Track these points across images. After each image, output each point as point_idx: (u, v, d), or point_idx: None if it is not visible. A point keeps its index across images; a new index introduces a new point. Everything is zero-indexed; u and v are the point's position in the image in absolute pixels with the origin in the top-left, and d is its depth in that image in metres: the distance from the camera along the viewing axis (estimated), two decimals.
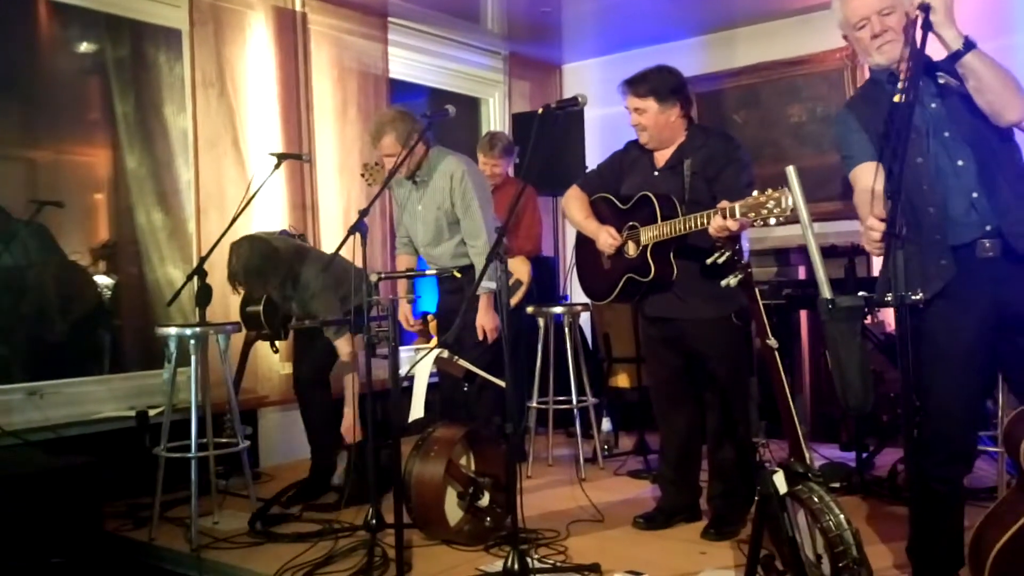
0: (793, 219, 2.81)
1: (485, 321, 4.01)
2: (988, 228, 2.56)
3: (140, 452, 4.17)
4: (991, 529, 2.34)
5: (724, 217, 2.98)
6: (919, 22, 2.42)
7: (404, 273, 4.20)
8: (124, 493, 4.16)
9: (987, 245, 2.55)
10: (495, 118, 6.96)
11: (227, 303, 4.74)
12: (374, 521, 3.31)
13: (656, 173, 3.58)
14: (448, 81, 6.49)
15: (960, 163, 2.60)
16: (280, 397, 5.09)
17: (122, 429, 4.36)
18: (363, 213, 3.34)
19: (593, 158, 5.60)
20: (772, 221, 2.84)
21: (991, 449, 3.68)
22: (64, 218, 4.71)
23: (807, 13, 6.04)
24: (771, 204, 2.82)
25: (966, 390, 2.60)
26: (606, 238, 3.56)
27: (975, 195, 2.58)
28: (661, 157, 3.60)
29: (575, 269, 3.92)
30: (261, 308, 4.43)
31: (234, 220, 4.15)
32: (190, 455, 3.76)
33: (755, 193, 2.88)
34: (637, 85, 3.52)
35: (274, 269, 4.11)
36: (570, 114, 5.52)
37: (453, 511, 3.53)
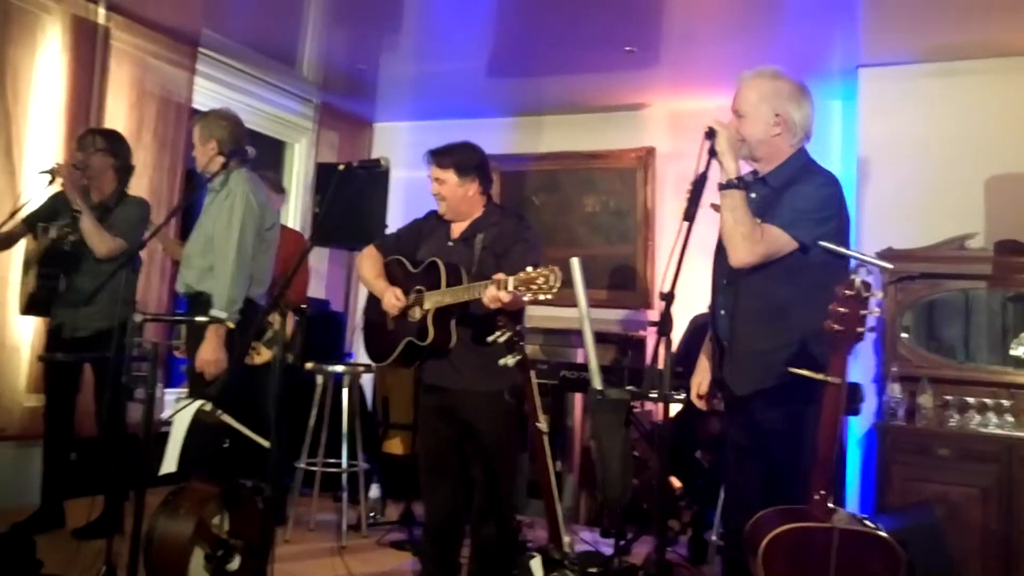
0: (571, 302, 2.91)
1: (205, 352, 3.75)
2: (726, 343, 2.82)
3: None
4: None
5: (498, 288, 3.08)
6: (705, 145, 2.64)
7: (170, 317, 3.99)
8: None
9: None
10: (300, 165, 6.84)
11: None
12: None
13: (450, 243, 3.63)
14: (255, 121, 6.30)
15: (724, 281, 2.85)
16: (19, 431, 4.67)
17: None
18: (139, 245, 3.17)
19: (395, 217, 5.60)
20: (542, 297, 2.94)
21: None
22: None
23: (609, 112, 6.38)
24: (541, 280, 2.95)
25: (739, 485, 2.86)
26: (390, 298, 3.55)
27: (722, 312, 2.84)
28: (457, 229, 3.65)
29: (362, 328, 3.86)
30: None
31: None
32: None
33: (529, 269, 2.97)
34: (441, 156, 3.60)
35: (122, 153, 4.31)
36: (375, 172, 5.54)
37: (198, 573, 3.31)
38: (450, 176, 3.57)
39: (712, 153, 2.64)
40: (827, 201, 2.75)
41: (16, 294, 4.50)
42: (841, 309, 2.24)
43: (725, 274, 2.85)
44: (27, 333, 4.73)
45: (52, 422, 4.34)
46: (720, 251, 2.89)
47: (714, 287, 2.94)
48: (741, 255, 2.67)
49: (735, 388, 2.78)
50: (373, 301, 3.75)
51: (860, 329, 2.25)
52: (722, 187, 2.67)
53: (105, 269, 3.81)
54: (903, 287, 4.65)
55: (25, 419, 4.68)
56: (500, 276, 3.10)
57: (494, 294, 3.10)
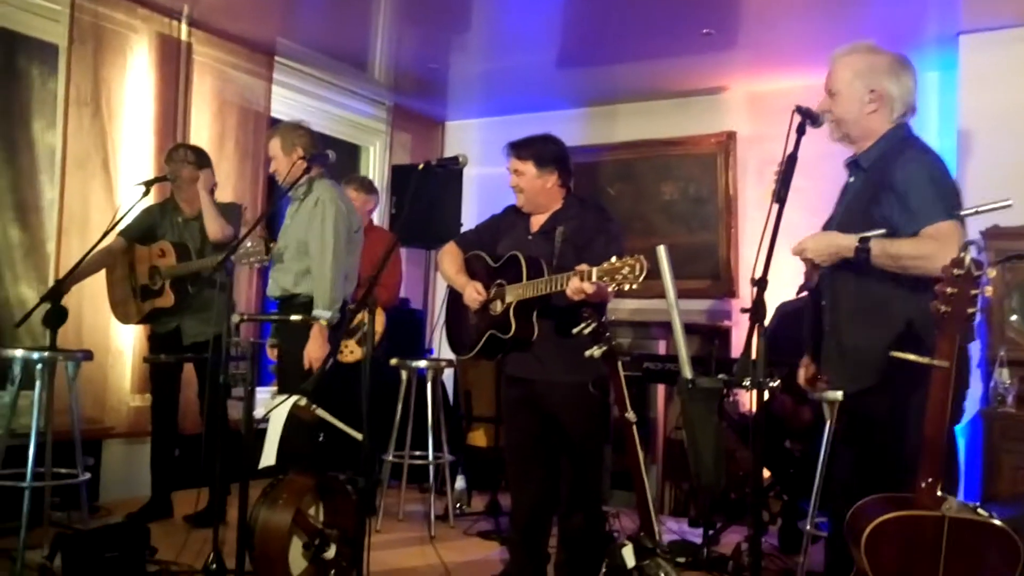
0: (653, 293, 2.89)
1: (312, 350, 3.92)
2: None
3: None
4: None
5: (581, 279, 3.07)
6: (793, 124, 2.54)
7: (267, 316, 4.12)
8: None
9: None
10: (375, 167, 6.94)
11: (79, 329, 4.60)
12: (214, 566, 3.19)
13: (530, 237, 3.63)
14: (330, 126, 6.44)
15: (825, 270, 2.76)
16: (127, 429, 4.92)
17: None
18: (231, 250, 3.27)
19: (469, 215, 5.64)
20: (626, 287, 2.92)
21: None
22: None
23: (686, 96, 6.30)
24: (626, 270, 2.92)
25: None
26: (471, 292, 3.59)
27: (823, 303, 2.78)
28: (536, 222, 3.66)
29: (444, 323, 3.92)
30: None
31: (95, 245, 4.06)
32: (24, 484, 3.55)
33: (613, 259, 2.96)
34: (520, 148, 3.61)
35: (208, 167, 4.49)
36: (450, 171, 5.60)
37: (297, 561, 3.41)
38: (529, 168, 3.58)
39: (801, 131, 2.57)
40: (946, 175, 2.65)
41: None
42: (949, 289, 2.14)
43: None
44: (129, 337, 4.96)
45: (158, 419, 4.57)
46: None
47: (820, 277, 2.84)
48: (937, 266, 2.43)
49: (839, 388, 2.73)
50: (454, 296, 3.79)
51: (971, 310, 2.14)
52: (860, 260, 2.54)
53: (213, 278, 4.00)
54: (1012, 267, 4.45)
55: (132, 417, 4.93)
56: (584, 267, 3.09)
57: (578, 286, 3.09)
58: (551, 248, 3.53)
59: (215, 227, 4.33)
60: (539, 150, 3.60)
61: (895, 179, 2.61)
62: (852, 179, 2.78)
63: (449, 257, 3.78)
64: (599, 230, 3.54)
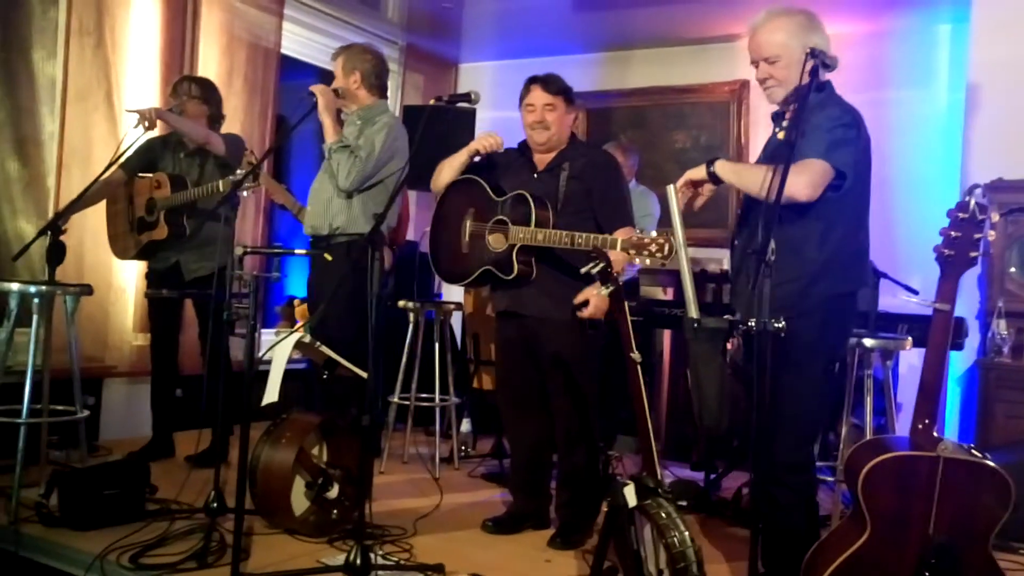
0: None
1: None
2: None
3: None
4: (824, 555, 2.41)
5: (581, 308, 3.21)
6: (806, 68, 2.59)
7: (271, 249, 4.08)
8: None
9: None
10: None
11: (80, 265, 4.53)
12: (215, 504, 3.19)
13: (536, 175, 3.61)
14: None
15: (738, 211, 2.95)
16: (129, 368, 4.89)
17: None
18: (236, 185, 3.24)
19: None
20: (648, 263, 2.91)
21: (829, 479, 3.80)
22: None
23: (703, 44, 6.23)
24: (654, 248, 2.89)
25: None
26: (485, 139, 3.58)
27: (735, 243, 2.93)
28: (542, 161, 3.64)
29: (429, 248, 3.82)
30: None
31: (97, 179, 3.98)
32: (19, 420, 3.48)
33: (639, 232, 2.94)
34: (549, 83, 3.58)
35: (215, 101, 4.39)
36: (461, 112, 5.54)
37: (299, 501, 3.43)
38: (560, 103, 3.57)
39: (815, 72, 2.55)
40: (852, 132, 2.68)
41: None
42: (953, 233, 2.15)
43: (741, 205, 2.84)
44: (131, 274, 4.90)
45: (158, 357, 4.50)
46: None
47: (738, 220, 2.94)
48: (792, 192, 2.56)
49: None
50: (441, 220, 3.72)
51: (973, 254, 2.16)
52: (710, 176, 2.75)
53: (215, 212, 3.91)
54: (1014, 220, 4.50)
55: (134, 356, 4.89)
56: (611, 236, 3.12)
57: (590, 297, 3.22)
58: (555, 186, 3.53)
59: (198, 136, 4.21)
60: (565, 87, 3.61)
61: (809, 126, 2.66)
62: (778, 131, 2.81)
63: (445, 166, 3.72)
64: (611, 182, 3.54)
